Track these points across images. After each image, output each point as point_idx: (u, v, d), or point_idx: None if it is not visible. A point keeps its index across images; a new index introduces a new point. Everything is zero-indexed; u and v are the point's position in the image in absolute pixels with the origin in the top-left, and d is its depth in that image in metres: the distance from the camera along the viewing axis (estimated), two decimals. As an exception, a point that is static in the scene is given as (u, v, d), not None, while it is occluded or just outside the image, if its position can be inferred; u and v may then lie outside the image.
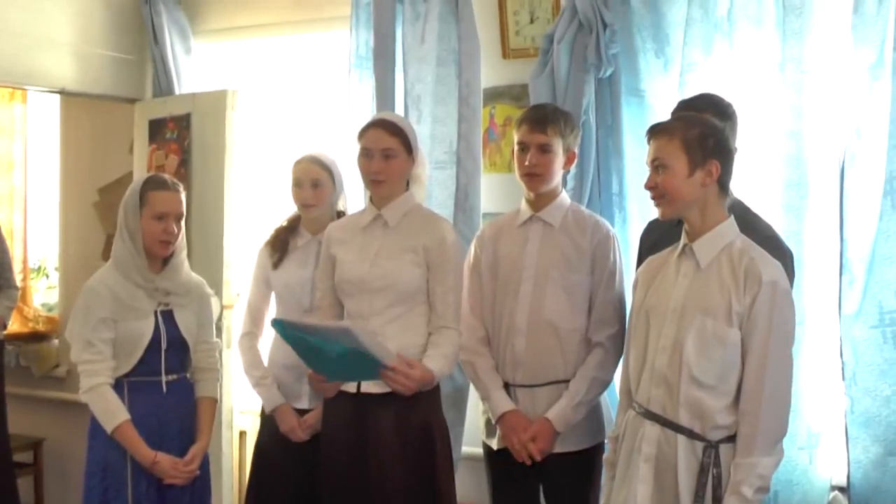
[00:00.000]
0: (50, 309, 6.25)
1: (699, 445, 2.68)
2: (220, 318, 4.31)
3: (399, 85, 4.32)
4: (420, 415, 3.28)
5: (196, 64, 5.21)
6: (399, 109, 4.29)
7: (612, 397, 3.61)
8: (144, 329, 3.47)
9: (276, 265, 3.77)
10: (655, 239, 3.19)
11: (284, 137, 5.13)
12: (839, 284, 3.47)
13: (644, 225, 3.52)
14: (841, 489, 3.60)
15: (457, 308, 3.34)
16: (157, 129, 5.09)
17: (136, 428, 3.40)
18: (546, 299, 3.33)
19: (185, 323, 3.58)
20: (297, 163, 3.75)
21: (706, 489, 2.65)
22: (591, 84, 3.89)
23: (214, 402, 3.72)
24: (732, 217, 2.78)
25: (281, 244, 3.80)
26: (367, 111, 4.30)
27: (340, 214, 3.76)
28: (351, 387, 3.30)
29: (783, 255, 2.90)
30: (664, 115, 3.35)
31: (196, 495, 3.58)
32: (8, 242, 5.63)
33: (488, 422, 3.47)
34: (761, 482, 2.62)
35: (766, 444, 2.63)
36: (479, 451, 3.64)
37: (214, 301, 3.80)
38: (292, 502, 3.64)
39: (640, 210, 3.84)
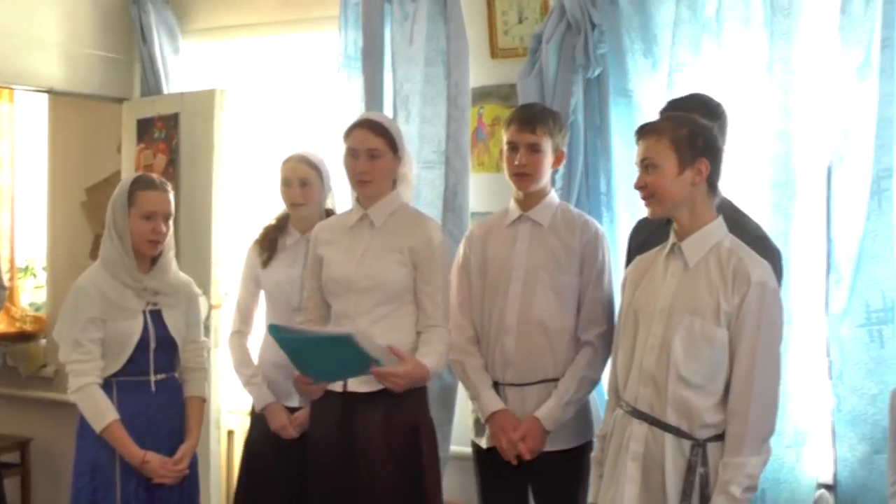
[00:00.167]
0: (37, 308, 6.22)
1: (686, 444, 2.69)
2: (208, 318, 4.30)
3: (388, 85, 4.32)
4: (407, 415, 3.29)
5: (184, 63, 5.20)
6: (388, 109, 4.29)
7: (600, 396, 3.63)
8: (133, 329, 3.46)
9: (265, 264, 3.77)
10: (644, 238, 3.20)
11: (273, 137, 5.12)
12: (826, 284, 3.48)
13: (632, 224, 3.53)
14: (828, 487, 3.61)
15: (445, 307, 3.35)
16: (145, 128, 5.08)
17: (125, 428, 3.40)
18: (535, 298, 3.34)
19: (174, 322, 3.57)
20: (286, 162, 3.76)
21: (693, 488, 2.67)
22: (579, 84, 3.90)
23: (203, 402, 3.72)
24: (721, 217, 2.79)
25: (270, 243, 3.80)
26: (356, 111, 4.30)
27: (329, 213, 3.77)
28: (337, 386, 3.29)
29: (772, 255, 2.92)
30: (652, 115, 3.36)
31: (185, 495, 3.58)
32: (-5, 242, 5.64)
33: (477, 421, 3.47)
34: (750, 481, 2.64)
35: (754, 444, 2.65)
36: (468, 450, 3.65)
37: (202, 300, 3.80)
38: (283, 501, 3.64)
39: (628, 210, 3.84)
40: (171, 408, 3.59)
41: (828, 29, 3.55)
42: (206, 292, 4.38)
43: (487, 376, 3.40)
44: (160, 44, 5.09)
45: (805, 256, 3.58)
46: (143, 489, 3.45)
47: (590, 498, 3.04)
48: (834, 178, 3.48)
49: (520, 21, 4.26)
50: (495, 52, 4.33)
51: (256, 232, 3.89)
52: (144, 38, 5.08)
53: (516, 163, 3.32)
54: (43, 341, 5.89)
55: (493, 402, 3.35)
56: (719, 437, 2.69)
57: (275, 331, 3.18)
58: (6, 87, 5.73)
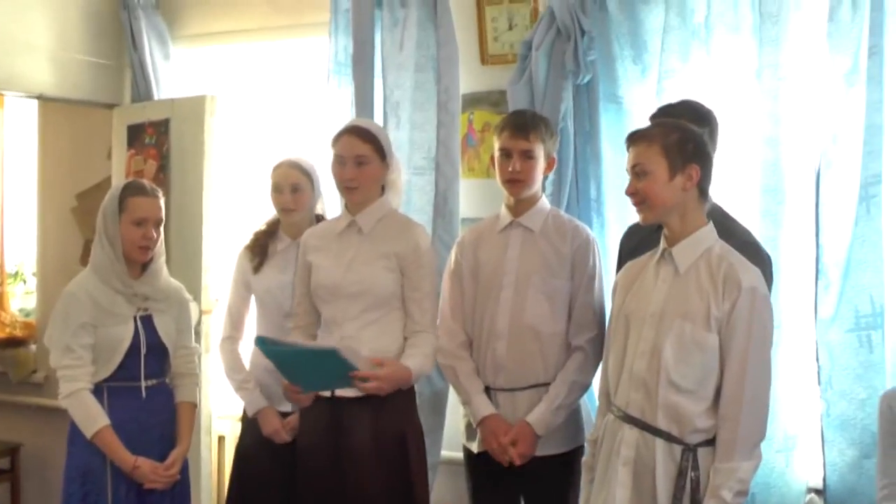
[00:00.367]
0: (27, 314, 6.20)
1: (677, 449, 2.70)
2: (198, 324, 4.31)
3: (378, 91, 4.33)
4: (394, 422, 3.31)
5: (175, 69, 5.20)
6: (378, 115, 4.30)
7: (591, 401, 3.64)
8: (124, 334, 3.46)
9: (256, 270, 3.78)
10: (636, 243, 3.21)
11: (263, 143, 5.12)
12: (815, 289, 3.50)
13: (622, 230, 3.54)
14: (817, 491, 3.63)
15: (433, 313, 3.38)
16: (135, 134, 5.07)
17: (116, 433, 3.39)
18: (527, 304, 3.34)
19: (165, 328, 3.57)
20: (277, 168, 3.77)
21: (684, 493, 2.67)
22: (569, 90, 3.91)
23: (194, 407, 3.71)
24: (711, 223, 2.80)
25: (260, 249, 3.81)
26: (346, 117, 4.30)
27: (319, 219, 3.78)
28: (325, 391, 3.32)
29: (762, 261, 2.93)
30: (642, 121, 3.38)
31: (176, 500, 3.58)
32: (-15, 248, 5.62)
33: (469, 425, 3.48)
34: (741, 486, 2.64)
35: (745, 449, 2.65)
36: (459, 455, 3.65)
37: (193, 306, 3.81)
38: (275, 504, 3.64)
39: (618, 215, 3.86)
40: (162, 413, 3.59)
41: (816, 36, 3.57)
42: (197, 298, 4.38)
43: (479, 381, 3.40)
44: (150, 50, 5.09)
45: (794, 262, 3.59)
46: (134, 494, 3.45)
47: (581, 502, 3.05)
48: (822, 183, 3.49)
49: (510, 28, 4.27)
50: (485, 58, 4.34)
51: (247, 237, 3.90)
52: (135, 44, 5.08)
53: (510, 169, 3.32)
54: (33, 347, 5.87)
55: (485, 407, 3.36)
56: (710, 442, 2.69)
57: (262, 343, 3.22)
58: (-4, 93, 5.72)
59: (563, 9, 3.87)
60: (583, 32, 3.85)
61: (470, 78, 4.29)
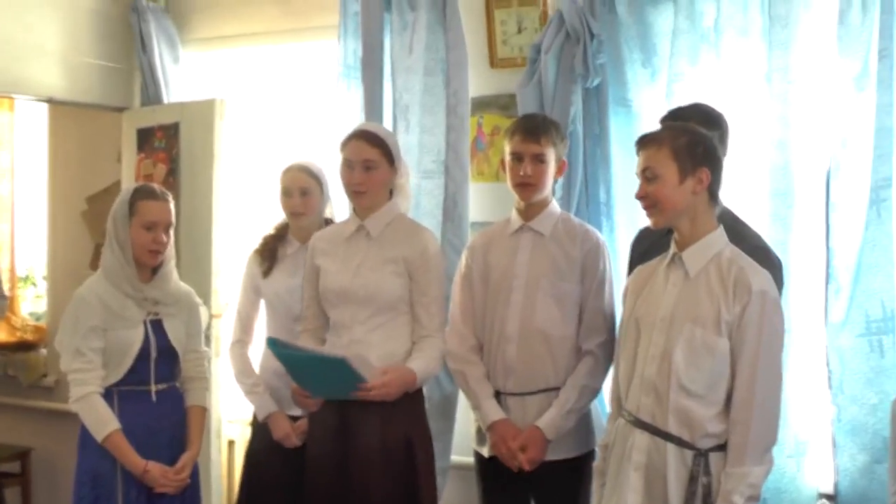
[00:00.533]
0: (38, 318, 6.22)
1: (689, 454, 2.69)
2: (208, 327, 4.30)
3: (387, 94, 4.33)
4: (402, 427, 3.31)
5: (184, 73, 5.21)
6: (387, 119, 4.30)
7: (602, 405, 3.64)
8: (134, 338, 3.46)
9: (265, 274, 3.78)
10: (646, 247, 3.21)
11: (273, 146, 5.13)
12: (825, 293, 3.49)
13: (632, 234, 3.54)
14: (829, 497, 3.61)
15: (441, 317, 3.39)
16: (145, 137, 5.08)
17: (127, 437, 3.40)
18: (537, 308, 3.34)
19: (175, 332, 3.58)
20: (286, 171, 3.77)
21: (696, 498, 2.66)
22: (578, 94, 3.91)
23: (204, 411, 3.72)
24: (721, 227, 2.80)
25: (270, 252, 3.81)
26: (356, 120, 4.30)
27: (328, 222, 3.78)
28: (333, 398, 3.32)
29: (772, 265, 2.92)
30: (651, 124, 3.37)
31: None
32: (-4, 252, 5.64)
33: (479, 430, 3.47)
34: (752, 491, 2.64)
35: (756, 453, 2.65)
36: (469, 459, 3.65)
37: (203, 310, 3.80)
38: (285, 510, 3.64)
39: (627, 219, 3.85)
40: (172, 417, 3.59)
41: (826, 39, 3.57)
42: (207, 302, 4.39)
43: (489, 385, 3.40)
44: (160, 53, 5.10)
45: (804, 266, 3.59)
46: (144, 498, 3.45)
47: (592, 508, 3.05)
48: (832, 187, 3.48)
49: (519, 31, 4.27)
50: (494, 61, 4.34)
51: (256, 241, 3.90)
52: (144, 48, 5.08)
53: (521, 173, 3.31)
54: (43, 351, 5.89)
55: (494, 412, 3.35)
56: (721, 447, 2.69)
57: (273, 344, 3.23)
58: (6, 97, 5.74)
59: (573, 12, 3.87)
60: (592, 36, 3.85)
61: (479, 81, 4.28)
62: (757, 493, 2.66)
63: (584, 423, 3.43)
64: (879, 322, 3.43)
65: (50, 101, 5.10)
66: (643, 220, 2.93)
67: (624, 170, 3.85)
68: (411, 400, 3.32)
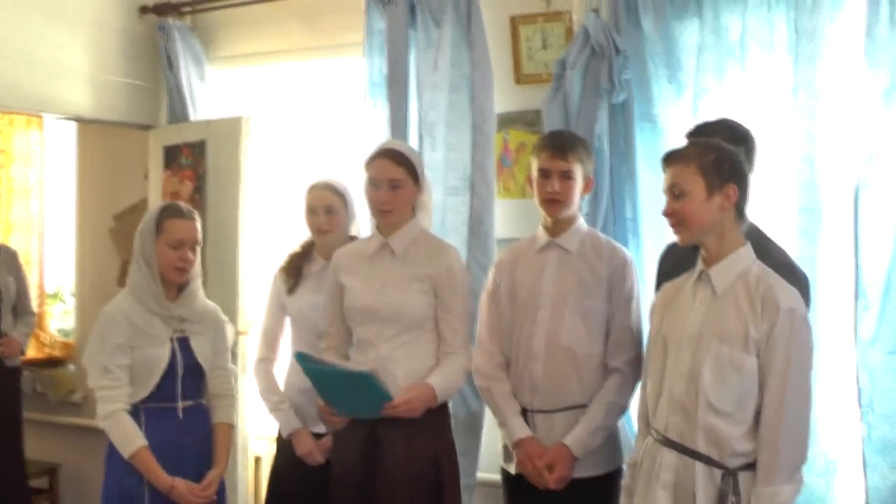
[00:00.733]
0: (66, 334, 6.27)
1: (718, 473, 2.67)
2: (234, 345, 4.33)
3: (413, 111, 4.34)
4: (428, 444, 3.32)
5: (211, 91, 5.24)
6: (413, 136, 4.31)
7: (629, 422, 3.61)
8: (161, 355, 3.48)
9: (290, 291, 3.79)
10: (672, 263, 3.19)
11: (298, 164, 5.15)
12: (855, 310, 3.45)
13: (658, 250, 3.52)
14: (859, 516, 3.58)
15: (465, 334, 3.39)
16: (171, 155, 5.12)
17: (153, 454, 3.40)
18: (563, 324, 3.33)
19: (201, 349, 3.59)
20: (311, 189, 3.78)
21: (725, 517, 2.65)
22: (604, 110, 3.90)
23: (231, 428, 3.72)
24: (749, 243, 2.78)
25: (295, 270, 3.82)
26: (381, 137, 4.31)
27: (353, 240, 3.78)
28: (359, 417, 3.33)
29: (798, 282, 2.88)
30: (677, 140, 3.35)
31: (212, 520, 3.59)
32: (25, 268, 5.69)
33: (506, 447, 3.46)
34: (782, 510, 2.62)
35: (786, 473, 2.62)
36: (495, 477, 3.65)
37: (229, 327, 3.82)
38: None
39: (654, 235, 3.83)
40: (199, 434, 3.60)
41: (853, 53, 3.54)
42: (233, 319, 4.40)
43: (515, 403, 3.39)
44: (187, 71, 5.14)
45: (832, 282, 3.55)
46: (170, 515, 3.46)
47: (620, 527, 3.03)
48: (861, 203, 3.45)
49: (544, 47, 4.27)
50: (520, 77, 4.34)
51: (282, 259, 3.91)
52: (171, 66, 5.13)
53: (549, 190, 3.31)
54: (71, 367, 5.94)
55: (520, 430, 3.34)
56: (751, 466, 2.66)
57: (301, 359, 3.24)
58: (35, 115, 5.81)
59: (598, 28, 3.86)
60: (617, 51, 3.84)
61: (505, 97, 4.28)
62: (787, 513, 2.64)
63: (611, 441, 3.41)
64: (910, 339, 3.40)
65: (78, 119, 5.14)
66: (670, 237, 2.91)
67: (650, 186, 3.83)
68: (437, 417, 3.32)
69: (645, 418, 2.91)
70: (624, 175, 3.94)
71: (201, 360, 3.58)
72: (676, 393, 2.73)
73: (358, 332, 3.43)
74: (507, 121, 4.33)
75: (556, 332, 3.34)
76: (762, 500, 2.61)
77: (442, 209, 4.19)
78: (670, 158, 2.80)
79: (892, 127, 3.42)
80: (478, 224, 4.13)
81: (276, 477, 3.84)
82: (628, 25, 3.90)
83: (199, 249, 3.56)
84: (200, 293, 3.64)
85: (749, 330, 2.65)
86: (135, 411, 3.44)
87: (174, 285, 3.53)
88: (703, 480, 2.67)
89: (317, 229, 3.75)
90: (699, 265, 2.80)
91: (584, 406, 3.33)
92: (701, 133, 3.12)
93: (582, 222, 3.46)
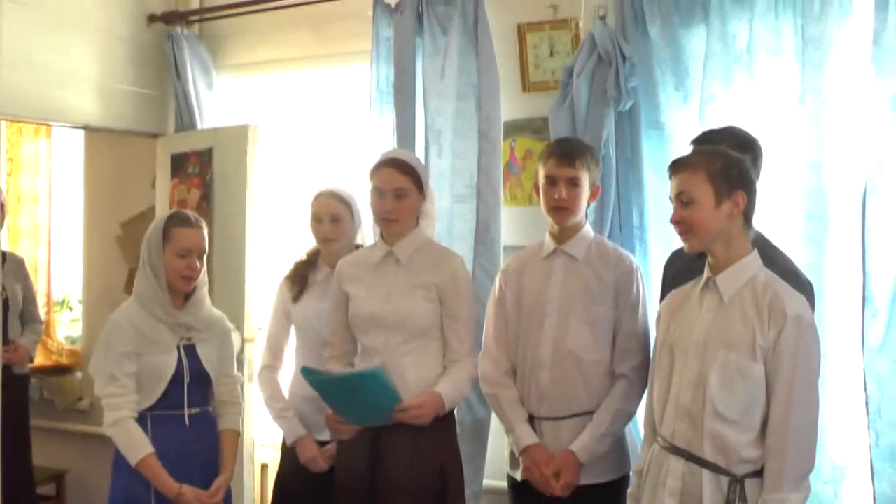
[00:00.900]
0: (73, 342, 6.28)
1: (724, 480, 2.66)
2: (241, 352, 4.32)
3: (419, 119, 4.35)
4: (433, 451, 3.32)
5: (218, 99, 5.25)
6: (419, 143, 4.31)
7: (636, 429, 3.61)
8: (167, 363, 3.48)
9: (295, 299, 3.79)
10: (677, 269, 3.19)
11: (305, 172, 5.15)
12: (862, 317, 3.44)
13: (665, 257, 3.51)
14: (867, 523, 3.56)
15: (470, 342, 3.40)
16: (179, 163, 5.13)
17: (160, 460, 3.40)
18: (569, 331, 3.33)
19: (207, 357, 3.59)
20: (317, 197, 3.78)
21: (732, 524, 2.64)
22: (610, 117, 3.90)
23: (237, 435, 3.72)
24: (756, 251, 2.77)
25: (300, 278, 3.82)
26: (388, 145, 4.32)
27: (359, 248, 3.78)
28: (369, 425, 3.33)
29: (803, 289, 2.87)
30: (684, 147, 3.34)
31: (219, 527, 3.59)
32: (32, 276, 5.70)
33: (512, 453, 3.46)
34: (789, 518, 2.61)
35: (793, 480, 2.61)
36: (502, 483, 3.63)
37: (235, 335, 3.82)
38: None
39: (660, 242, 3.83)
40: (205, 441, 3.60)
41: (860, 60, 3.54)
42: (240, 327, 4.40)
43: (522, 409, 3.38)
44: (194, 79, 5.15)
45: (840, 289, 3.55)
46: (177, 522, 3.46)
47: (626, 534, 3.02)
48: (868, 209, 3.44)
49: (551, 54, 4.27)
50: (527, 85, 4.34)
51: (288, 267, 3.91)
52: (178, 74, 5.14)
53: (556, 197, 3.30)
54: (79, 374, 5.95)
55: (527, 436, 3.34)
56: (758, 474, 2.66)
57: (307, 373, 3.26)
58: (43, 124, 5.81)
59: (605, 35, 3.86)
60: (624, 59, 3.85)
61: (511, 105, 4.28)
62: (794, 521, 2.63)
63: (618, 447, 3.41)
64: (918, 346, 3.39)
65: (86, 127, 5.15)
66: (676, 244, 2.91)
67: (657, 193, 3.83)
68: (442, 425, 3.32)
69: (651, 425, 2.91)
70: (631, 182, 3.94)
71: (208, 367, 3.58)
72: (683, 400, 2.73)
73: (364, 341, 3.44)
74: (513, 128, 4.33)
75: (563, 339, 3.33)
76: (770, 507, 2.60)
77: (449, 216, 4.19)
78: (678, 166, 2.79)
79: (899, 134, 3.42)
80: (484, 231, 4.13)
81: (281, 484, 3.83)
82: (635, 33, 3.91)
83: (205, 257, 3.56)
84: (207, 301, 3.64)
85: (756, 337, 2.64)
86: (141, 419, 3.44)
87: (181, 293, 3.53)
88: (710, 488, 2.67)
89: (322, 238, 3.75)
90: (706, 272, 2.80)
91: (591, 413, 3.32)
92: (707, 140, 3.12)
93: (588, 229, 3.46)
